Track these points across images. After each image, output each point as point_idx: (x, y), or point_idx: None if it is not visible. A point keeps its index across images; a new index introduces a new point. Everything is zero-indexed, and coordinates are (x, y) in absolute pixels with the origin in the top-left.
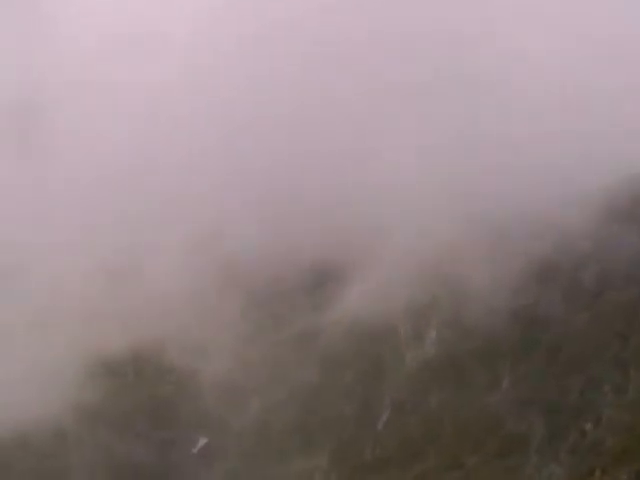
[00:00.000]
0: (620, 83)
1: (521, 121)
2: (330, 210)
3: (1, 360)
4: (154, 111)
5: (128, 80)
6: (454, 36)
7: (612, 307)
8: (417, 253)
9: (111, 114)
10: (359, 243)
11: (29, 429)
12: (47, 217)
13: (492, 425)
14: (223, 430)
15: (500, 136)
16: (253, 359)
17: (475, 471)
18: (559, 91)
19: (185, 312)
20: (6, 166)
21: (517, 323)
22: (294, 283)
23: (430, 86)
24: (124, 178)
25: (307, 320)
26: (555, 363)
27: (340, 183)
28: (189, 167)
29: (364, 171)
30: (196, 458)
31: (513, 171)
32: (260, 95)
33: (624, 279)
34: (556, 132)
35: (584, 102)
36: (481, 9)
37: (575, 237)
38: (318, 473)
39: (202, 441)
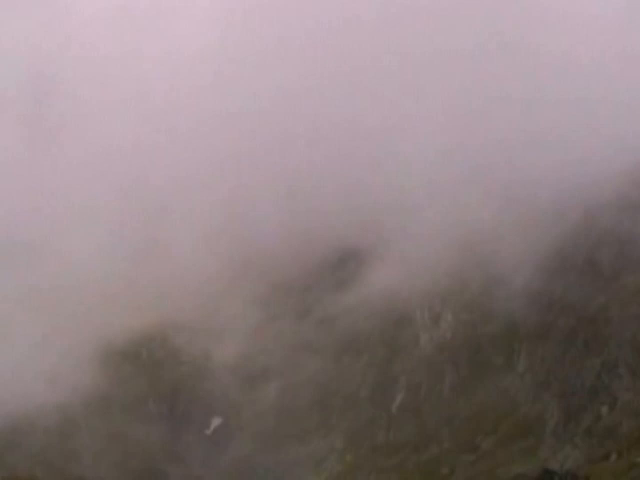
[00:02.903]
0: None
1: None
2: (353, 190)
3: (14, 340)
4: (176, 92)
5: (147, 56)
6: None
7: (628, 291)
8: (440, 235)
9: (129, 93)
10: (381, 224)
11: (40, 410)
12: (65, 198)
13: (507, 408)
14: (237, 412)
15: (526, 119)
16: (270, 341)
17: (490, 454)
18: (594, 66)
19: (202, 294)
20: (24, 144)
21: (534, 307)
22: (314, 265)
23: (452, 61)
24: (144, 159)
25: (325, 303)
26: (571, 346)
27: (363, 163)
28: (209, 150)
29: (388, 151)
30: (210, 439)
31: (540, 153)
32: (277, 76)
33: None
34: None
35: (616, 80)
36: None
37: (594, 220)
38: (333, 455)
39: (216, 422)
